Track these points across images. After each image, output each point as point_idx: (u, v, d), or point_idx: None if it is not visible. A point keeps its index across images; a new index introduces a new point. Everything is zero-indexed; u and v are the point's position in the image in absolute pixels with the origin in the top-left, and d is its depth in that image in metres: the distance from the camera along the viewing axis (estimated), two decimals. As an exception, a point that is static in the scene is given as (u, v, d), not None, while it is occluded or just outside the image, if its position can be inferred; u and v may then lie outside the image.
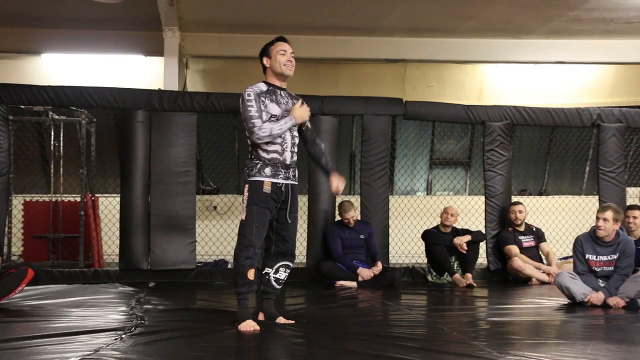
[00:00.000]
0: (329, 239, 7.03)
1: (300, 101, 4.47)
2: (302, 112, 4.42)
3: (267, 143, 4.33)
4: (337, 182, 4.54)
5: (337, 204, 7.26)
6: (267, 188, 4.33)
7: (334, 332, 4.21)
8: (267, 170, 4.34)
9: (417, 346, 3.74)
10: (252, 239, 4.28)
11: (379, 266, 6.86)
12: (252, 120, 4.27)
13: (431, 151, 10.91)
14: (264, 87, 4.41)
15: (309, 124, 4.61)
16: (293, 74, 4.45)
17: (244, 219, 4.32)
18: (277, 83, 4.45)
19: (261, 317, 4.49)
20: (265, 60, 4.45)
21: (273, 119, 4.34)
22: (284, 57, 4.40)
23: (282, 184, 4.39)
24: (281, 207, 4.44)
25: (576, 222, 9.10)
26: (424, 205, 9.31)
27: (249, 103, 4.30)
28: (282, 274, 4.52)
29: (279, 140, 4.36)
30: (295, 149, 4.49)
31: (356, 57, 10.13)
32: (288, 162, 4.41)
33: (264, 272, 4.49)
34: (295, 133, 4.49)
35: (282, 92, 4.47)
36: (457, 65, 10.88)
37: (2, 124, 6.88)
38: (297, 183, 4.53)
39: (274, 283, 4.50)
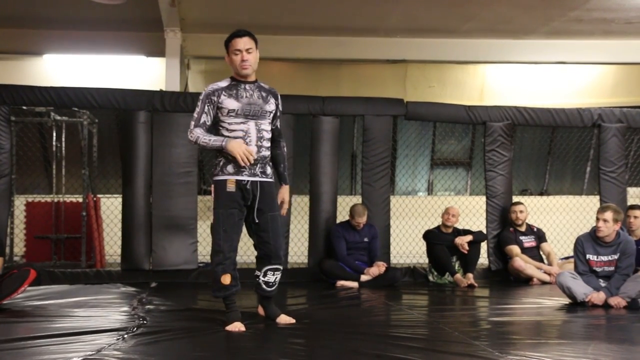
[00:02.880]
0: (334, 239, 7.03)
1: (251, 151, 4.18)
2: (238, 149, 4.12)
3: (227, 137, 4.23)
4: (286, 198, 4.49)
5: (346, 206, 7.26)
6: (231, 187, 4.21)
7: (335, 332, 4.22)
8: (230, 168, 4.23)
9: (418, 346, 3.75)
10: (221, 243, 4.23)
11: (381, 267, 6.87)
12: (191, 121, 4.26)
13: (432, 151, 10.92)
14: (224, 83, 4.32)
15: (278, 124, 4.51)
16: (251, 70, 4.31)
17: (212, 223, 4.26)
18: (241, 78, 4.34)
19: (261, 311, 4.48)
20: (226, 58, 4.35)
21: (232, 113, 4.23)
22: (237, 57, 4.26)
23: (248, 181, 4.25)
24: (250, 205, 4.31)
25: (577, 222, 9.10)
26: (425, 206, 9.31)
27: (198, 104, 4.28)
28: (271, 277, 4.43)
29: (240, 133, 4.23)
30: (264, 143, 4.30)
31: (357, 58, 10.14)
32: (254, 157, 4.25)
33: (255, 274, 4.47)
34: (264, 127, 4.32)
35: (247, 86, 4.33)
36: (458, 65, 10.89)
37: (4, 124, 6.89)
38: (269, 180, 4.36)
39: (264, 286, 4.44)
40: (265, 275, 4.43)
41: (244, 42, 4.25)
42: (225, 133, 4.26)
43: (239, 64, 4.26)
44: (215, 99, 4.26)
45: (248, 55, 4.25)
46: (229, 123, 4.26)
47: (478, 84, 11.25)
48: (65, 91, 7.05)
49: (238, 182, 4.23)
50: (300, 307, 5.46)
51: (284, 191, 4.55)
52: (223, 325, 4.26)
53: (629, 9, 8.46)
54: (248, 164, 4.16)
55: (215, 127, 4.33)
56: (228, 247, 4.26)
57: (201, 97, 4.27)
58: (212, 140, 4.20)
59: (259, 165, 4.29)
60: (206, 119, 4.26)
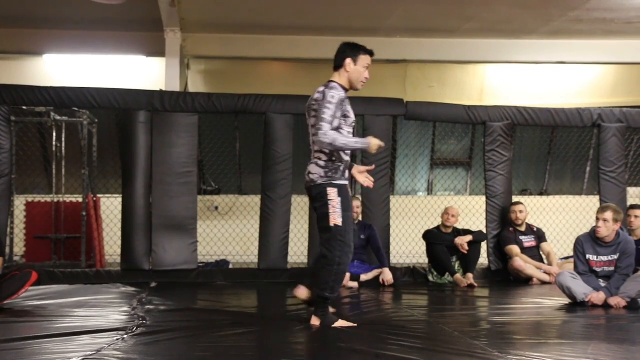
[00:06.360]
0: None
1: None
2: (376, 146, 4.32)
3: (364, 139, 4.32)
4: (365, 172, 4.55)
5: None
6: (349, 192, 4.36)
7: (335, 331, 4.22)
8: (346, 174, 4.36)
9: (418, 346, 3.75)
10: (352, 245, 4.29)
11: (388, 277, 6.88)
12: (322, 123, 4.19)
13: (432, 151, 10.92)
14: (343, 92, 4.35)
15: None
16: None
17: (339, 225, 4.21)
18: (348, 89, 4.42)
19: (316, 322, 4.38)
20: (348, 62, 4.37)
21: (352, 123, 4.34)
22: (365, 73, 4.39)
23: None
24: None
25: (577, 222, 9.10)
26: (425, 206, 9.32)
27: (328, 105, 4.21)
28: None
29: None
30: None
31: (358, 58, 10.12)
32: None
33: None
34: None
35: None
36: (458, 65, 10.89)
37: (4, 124, 6.89)
38: None
39: None
40: None
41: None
42: None
43: (362, 79, 4.39)
44: (345, 106, 4.31)
45: None
46: (348, 132, 4.35)
47: (478, 84, 11.25)
48: (65, 91, 7.05)
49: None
50: (300, 307, 5.46)
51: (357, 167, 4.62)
52: (325, 324, 4.29)
53: (629, 8, 8.46)
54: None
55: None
56: None
57: (332, 101, 4.23)
58: (353, 142, 4.25)
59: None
60: (337, 123, 4.27)
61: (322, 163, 4.30)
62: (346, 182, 4.33)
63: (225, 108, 7.31)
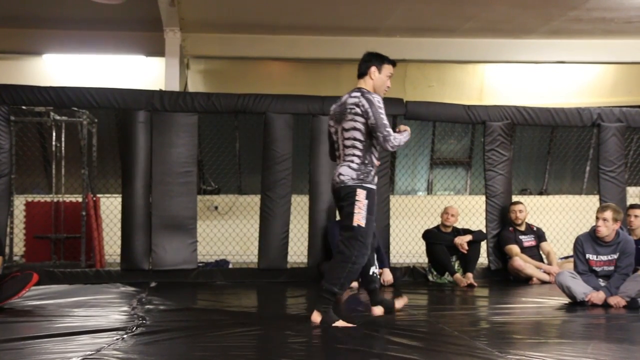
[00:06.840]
0: (331, 237, 7.00)
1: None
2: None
3: (377, 150, 4.42)
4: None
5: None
6: (375, 197, 4.43)
7: (334, 331, 4.23)
8: (375, 179, 4.44)
9: (417, 345, 3.75)
10: (369, 248, 4.40)
11: (388, 277, 6.88)
12: (388, 129, 4.29)
13: (432, 151, 10.92)
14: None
15: None
16: None
17: (362, 226, 4.32)
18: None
19: (317, 318, 4.42)
20: (373, 70, 4.50)
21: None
22: (388, 81, 4.53)
23: None
24: None
25: (577, 222, 9.10)
26: (425, 205, 9.32)
27: (381, 110, 4.31)
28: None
29: (378, 148, 4.43)
30: None
31: (357, 58, 10.04)
32: None
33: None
34: None
35: None
36: (458, 65, 10.89)
37: (4, 124, 6.89)
38: None
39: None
40: None
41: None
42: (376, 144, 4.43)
43: (384, 87, 4.54)
44: None
45: None
46: None
47: (477, 83, 11.25)
48: (64, 91, 7.05)
49: None
50: (300, 306, 5.46)
51: None
52: (325, 321, 4.31)
53: (629, 8, 8.46)
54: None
55: (369, 138, 4.37)
56: None
57: (381, 105, 4.33)
58: (404, 136, 4.41)
59: None
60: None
61: (354, 166, 4.39)
62: (375, 187, 4.40)
63: (225, 108, 7.30)
